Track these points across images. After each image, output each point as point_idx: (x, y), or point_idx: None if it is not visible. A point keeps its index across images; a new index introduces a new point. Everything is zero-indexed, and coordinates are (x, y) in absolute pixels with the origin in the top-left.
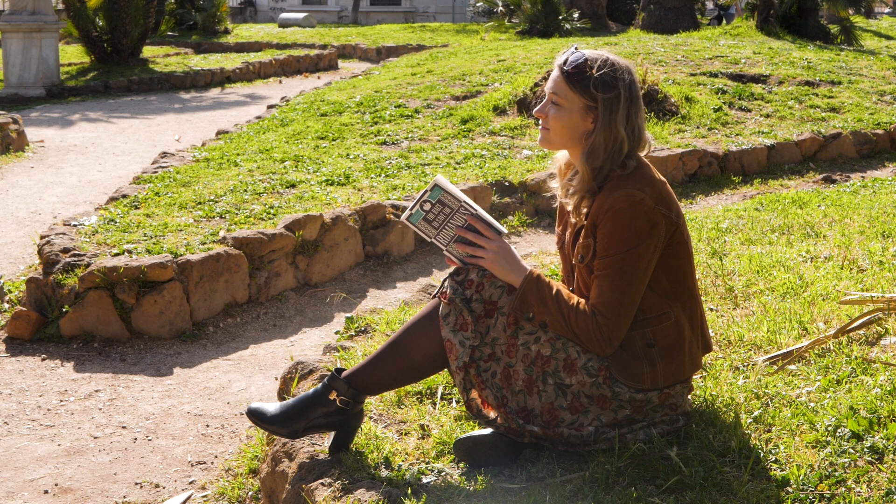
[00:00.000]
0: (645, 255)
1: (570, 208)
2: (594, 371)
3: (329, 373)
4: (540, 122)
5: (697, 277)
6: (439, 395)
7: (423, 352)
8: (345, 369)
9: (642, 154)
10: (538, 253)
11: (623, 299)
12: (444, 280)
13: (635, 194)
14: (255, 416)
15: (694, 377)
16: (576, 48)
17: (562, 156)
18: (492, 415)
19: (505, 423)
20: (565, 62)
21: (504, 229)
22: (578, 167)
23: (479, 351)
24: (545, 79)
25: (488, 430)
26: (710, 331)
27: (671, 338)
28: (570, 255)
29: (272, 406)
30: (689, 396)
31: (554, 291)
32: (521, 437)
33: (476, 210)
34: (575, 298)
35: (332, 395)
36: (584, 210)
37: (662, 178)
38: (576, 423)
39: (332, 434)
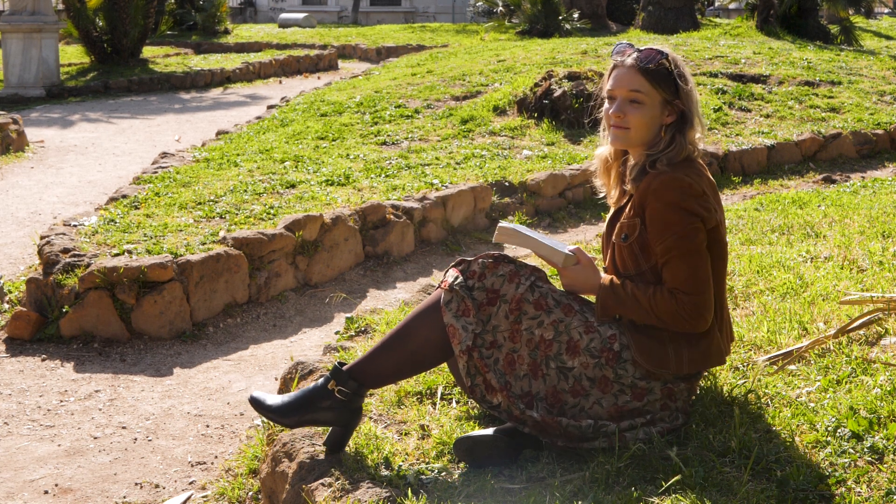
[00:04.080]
0: (701, 232)
1: (614, 199)
2: (596, 352)
3: (329, 370)
4: (612, 122)
5: None
6: (439, 395)
7: (425, 340)
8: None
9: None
10: None
11: (697, 273)
12: (447, 270)
13: (684, 178)
14: (257, 403)
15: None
16: (630, 45)
17: (601, 152)
18: (495, 400)
19: (507, 408)
20: (639, 59)
21: (565, 249)
22: (636, 158)
23: (480, 338)
24: (545, 79)
25: (489, 431)
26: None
27: (704, 331)
28: (609, 240)
29: (274, 397)
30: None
31: (629, 290)
32: (522, 425)
33: (540, 240)
34: (651, 288)
35: (332, 385)
36: (648, 185)
37: (712, 178)
38: (577, 408)
39: (330, 430)
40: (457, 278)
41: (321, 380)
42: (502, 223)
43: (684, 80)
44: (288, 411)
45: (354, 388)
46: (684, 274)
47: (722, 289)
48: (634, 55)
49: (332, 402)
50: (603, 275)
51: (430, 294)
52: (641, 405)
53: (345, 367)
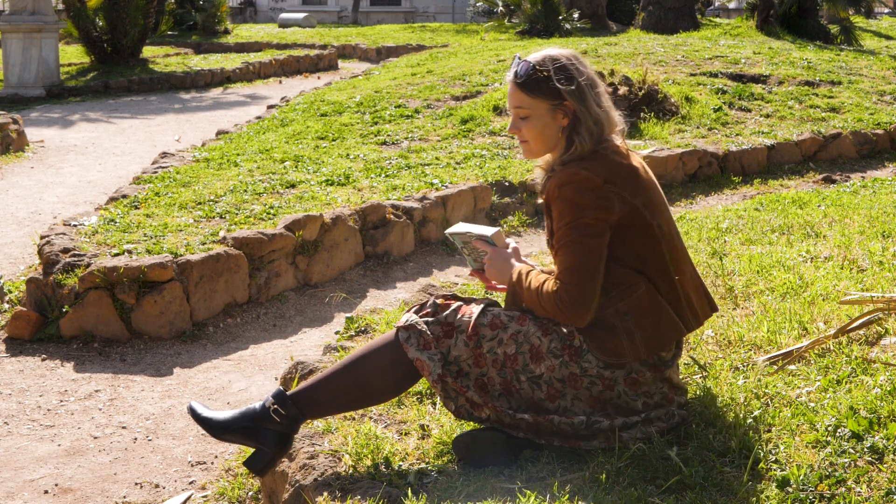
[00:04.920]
0: (594, 226)
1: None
2: (559, 351)
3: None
4: (516, 137)
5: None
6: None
7: (378, 374)
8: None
9: (616, 135)
10: (538, 253)
11: (580, 264)
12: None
13: (579, 171)
14: (193, 413)
15: (692, 380)
16: (519, 57)
17: (535, 166)
18: (483, 414)
19: (497, 417)
20: (516, 75)
21: (490, 230)
22: (552, 157)
23: (446, 370)
24: None
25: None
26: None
27: (645, 306)
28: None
29: (213, 411)
30: (675, 391)
31: (528, 280)
32: (515, 431)
33: (474, 231)
34: (544, 277)
35: (270, 404)
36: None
37: (637, 164)
38: (559, 410)
39: (255, 452)
40: (410, 318)
41: (258, 403)
42: (449, 230)
43: (568, 79)
44: (223, 427)
45: (293, 413)
46: (566, 264)
47: (679, 268)
48: (513, 70)
49: (267, 424)
50: (517, 265)
51: (430, 294)
52: (614, 395)
53: (288, 393)
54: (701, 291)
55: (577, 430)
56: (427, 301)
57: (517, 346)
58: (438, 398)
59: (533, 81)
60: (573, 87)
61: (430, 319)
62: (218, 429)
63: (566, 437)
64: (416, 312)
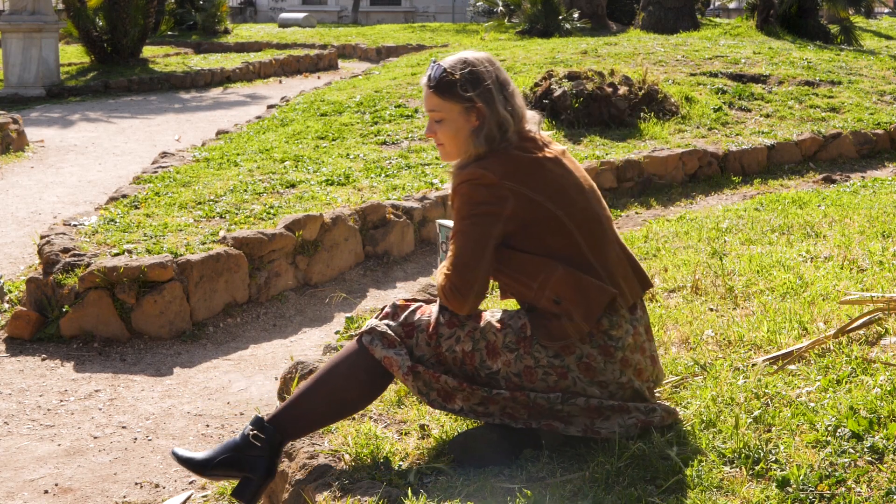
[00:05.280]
0: (482, 219)
1: None
2: (514, 345)
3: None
4: (434, 141)
5: (696, 276)
6: None
7: (349, 382)
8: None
9: (532, 126)
10: None
11: (462, 254)
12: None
13: (475, 171)
14: (176, 457)
15: (692, 381)
16: (434, 61)
17: None
18: (456, 405)
19: (470, 401)
20: (430, 79)
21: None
22: (458, 158)
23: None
24: (545, 79)
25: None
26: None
27: (570, 284)
28: None
29: (196, 453)
30: (643, 378)
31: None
32: (490, 417)
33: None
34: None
35: (249, 431)
36: (456, 177)
37: (547, 156)
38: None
39: (242, 480)
40: (371, 323)
41: (238, 434)
42: (441, 220)
43: (476, 82)
44: (206, 463)
45: (274, 437)
46: (452, 254)
47: (600, 252)
48: (427, 75)
49: (250, 452)
50: None
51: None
52: (570, 383)
53: (266, 418)
54: (629, 272)
55: (552, 405)
56: (386, 305)
57: (474, 343)
58: (414, 395)
59: (445, 85)
60: (481, 90)
61: (391, 322)
62: (201, 466)
63: (542, 413)
64: (378, 317)
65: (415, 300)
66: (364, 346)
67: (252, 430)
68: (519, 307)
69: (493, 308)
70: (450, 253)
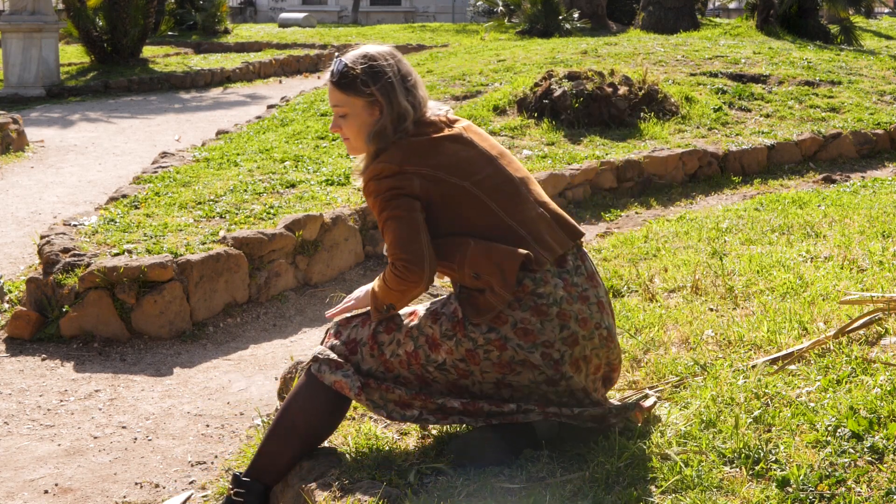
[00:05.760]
0: (402, 202)
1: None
2: (451, 332)
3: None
4: (340, 136)
5: (696, 276)
6: None
7: (309, 414)
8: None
9: (431, 115)
10: None
11: (398, 235)
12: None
13: (375, 168)
14: None
15: (692, 381)
16: (338, 56)
17: None
18: (415, 412)
19: (425, 415)
20: (332, 74)
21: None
22: (365, 152)
23: (366, 389)
24: (545, 79)
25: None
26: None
27: (483, 255)
28: None
29: None
30: (589, 330)
31: (375, 280)
32: (446, 419)
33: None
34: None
35: (230, 491)
36: (364, 179)
37: (445, 135)
38: (476, 387)
39: None
40: (315, 351)
41: (224, 499)
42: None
43: (376, 76)
44: None
45: (255, 488)
46: (388, 242)
47: (516, 212)
48: (330, 70)
49: None
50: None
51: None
52: (513, 353)
53: (242, 473)
54: (554, 226)
55: (505, 417)
56: (330, 327)
57: (414, 342)
58: (372, 412)
59: (347, 80)
60: (382, 84)
61: (335, 342)
62: None
63: (503, 415)
64: (323, 342)
65: (355, 316)
66: (313, 375)
67: (232, 489)
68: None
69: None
70: (387, 243)
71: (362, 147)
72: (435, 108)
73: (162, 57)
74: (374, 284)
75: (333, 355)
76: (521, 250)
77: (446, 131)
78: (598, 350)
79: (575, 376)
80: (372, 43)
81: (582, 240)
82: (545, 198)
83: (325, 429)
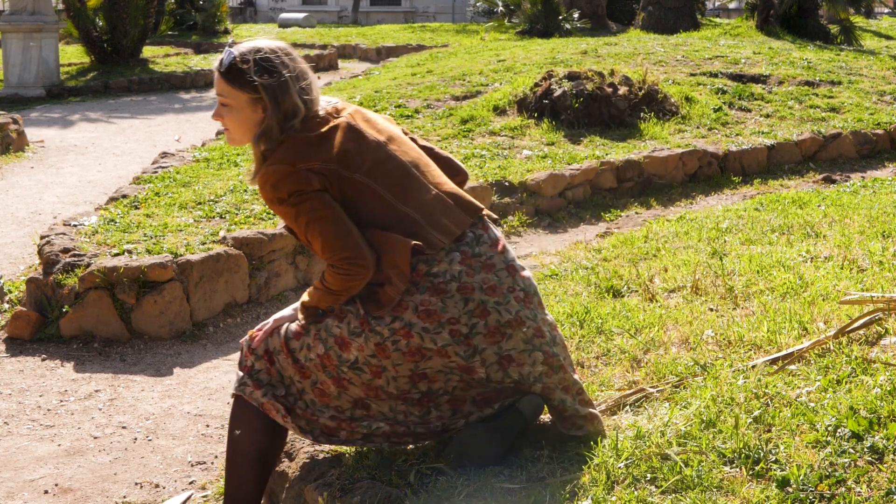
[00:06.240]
0: (313, 201)
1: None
2: (357, 329)
3: None
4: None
5: (696, 276)
6: None
7: (254, 438)
8: None
9: (319, 109)
10: (538, 253)
11: (329, 236)
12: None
13: (268, 170)
14: None
15: (692, 381)
16: (229, 46)
17: None
18: (342, 435)
19: (351, 438)
20: (220, 64)
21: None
22: (253, 153)
23: (290, 396)
24: (545, 79)
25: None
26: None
27: (377, 249)
28: None
29: None
30: (499, 304)
31: (309, 289)
32: (373, 442)
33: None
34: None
35: None
36: (260, 189)
37: (333, 125)
38: (390, 385)
39: None
40: (238, 375)
41: None
42: None
43: (267, 72)
44: None
45: None
46: (321, 246)
47: (409, 197)
48: (219, 59)
49: None
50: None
51: None
52: (419, 340)
53: None
54: (451, 206)
55: (433, 433)
56: (243, 344)
57: (324, 344)
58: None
59: (234, 72)
60: (270, 82)
61: (252, 360)
62: None
63: (430, 434)
64: (241, 364)
65: (262, 328)
66: (243, 398)
67: None
68: None
69: None
70: (319, 248)
71: (241, 140)
72: (324, 102)
73: (162, 57)
74: (305, 298)
75: (254, 375)
76: (410, 240)
77: (332, 122)
78: (522, 311)
79: (489, 348)
80: (266, 38)
81: (484, 213)
82: (441, 178)
83: (273, 444)
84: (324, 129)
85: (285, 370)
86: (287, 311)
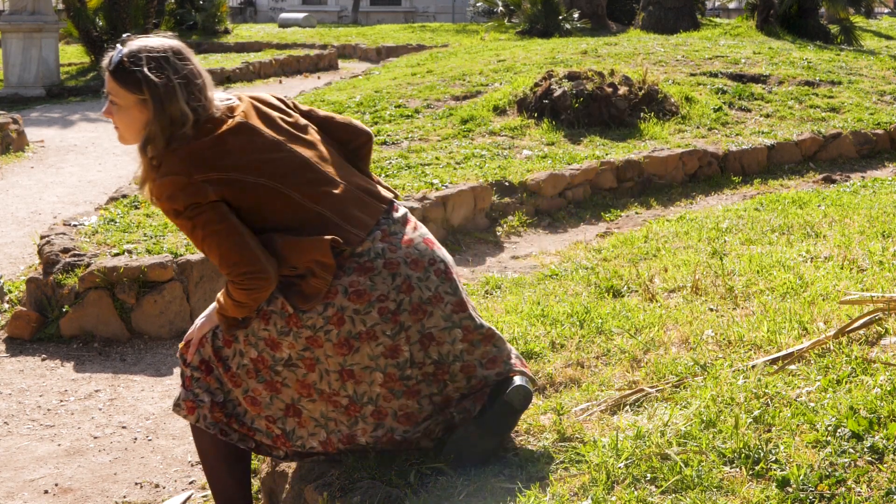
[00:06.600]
0: (209, 214)
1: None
2: (285, 328)
3: None
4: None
5: (696, 276)
6: None
7: (215, 450)
8: None
9: (213, 110)
10: (538, 253)
11: (225, 250)
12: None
13: (162, 181)
14: None
15: (692, 381)
16: (120, 43)
17: None
18: (281, 452)
19: (292, 453)
20: (109, 62)
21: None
22: (140, 158)
23: (229, 407)
24: (545, 79)
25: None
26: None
27: (291, 247)
28: None
29: None
30: (423, 272)
31: (216, 299)
32: (308, 457)
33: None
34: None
35: None
36: (153, 199)
37: (227, 129)
38: (324, 380)
39: None
40: (176, 397)
41: None
42: None
43: (154, 74)
44: None
45: None
46: (218, 259)
47: (319, 194)
48: (108, 57)
49: None
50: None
51: None
52: (352, 324)
53: None
54: (363, 197)
55: (397, 445)
56: (180, 359)
57: (255, 347)
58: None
59: (122, 72)
60: (157, 85)
61: (193, 372)
62: None
63: (398, 445)
64: (182, 379)
65: (189, 340)
66: (185, 414)
67: None
68: None
69: None
70: (217, 262)
71: (131, 140)
72: (218, 101)
73: None
74: (214, 308)
75: (192, 390)
76: (326, 238)
77: (228, 124)
78: (441, 287)
79: (413, 325)
80: (159, 36)
81: (397, 196)
82: (348, 170)
83: (242, 451)
84: (218, 133)
85: (222, 377)
86: (203, 317)
